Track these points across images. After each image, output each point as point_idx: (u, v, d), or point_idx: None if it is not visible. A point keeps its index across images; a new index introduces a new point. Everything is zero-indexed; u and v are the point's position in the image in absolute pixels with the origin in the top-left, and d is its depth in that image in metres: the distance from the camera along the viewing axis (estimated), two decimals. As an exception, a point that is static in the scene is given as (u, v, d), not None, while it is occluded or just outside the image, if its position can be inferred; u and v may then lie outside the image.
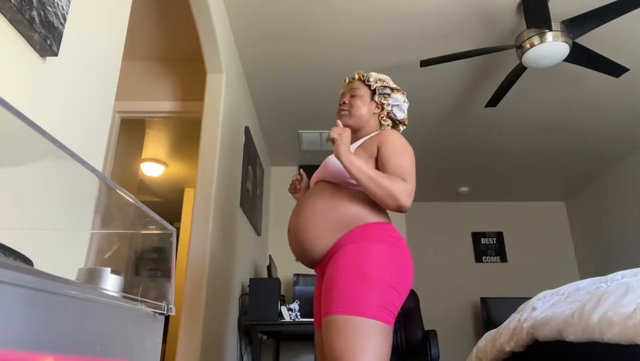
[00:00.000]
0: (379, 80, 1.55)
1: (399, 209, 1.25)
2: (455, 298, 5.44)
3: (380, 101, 1.53)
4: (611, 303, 1.21)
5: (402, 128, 1.61)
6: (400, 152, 1.33)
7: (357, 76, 1.59)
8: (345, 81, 1.63)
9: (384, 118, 1.54)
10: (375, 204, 1.33)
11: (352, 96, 1.54)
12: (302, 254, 1.36)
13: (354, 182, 1.34)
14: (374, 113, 1.54)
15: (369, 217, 1.30)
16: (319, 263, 1.36)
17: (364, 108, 1.51)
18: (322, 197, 1.36)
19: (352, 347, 1.08)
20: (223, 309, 2.62)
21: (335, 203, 1.32)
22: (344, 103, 1.55)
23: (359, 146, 1.40)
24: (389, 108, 1.54)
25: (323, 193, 1.37)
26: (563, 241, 5.63)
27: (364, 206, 1.32)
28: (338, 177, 1.37)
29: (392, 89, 1.54)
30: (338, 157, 1.26)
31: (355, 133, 1.55)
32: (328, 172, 1.40)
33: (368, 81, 1.55)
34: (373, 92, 1.54)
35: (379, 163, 1.35)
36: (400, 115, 1.56)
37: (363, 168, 1.25)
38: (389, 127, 1.56)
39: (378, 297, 1.14)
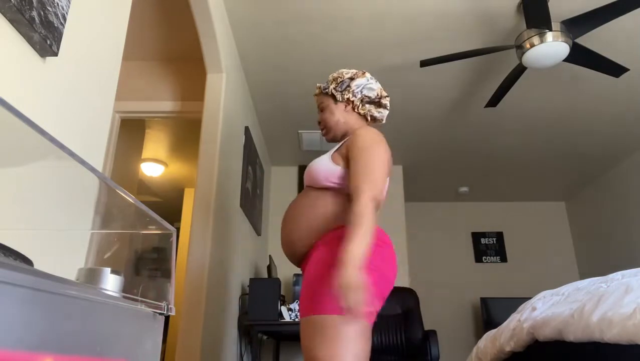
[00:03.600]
0: (332, 80, 1.51)
1: (377, 207, 1.25)
2: (455, 298, 5.44)
3: (344, 98, 1.48)
4: (611, 303, 1.21)
5: (382, 111, 1.52)
6: (357, 157, 1.29)
7: (317, 91, 1.56)
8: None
9: (360, 107, 1.49)
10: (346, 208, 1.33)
11: (321, 111, 1.53)
12: (289, 254, 1.40)
13: (333, 184, 1.34)
14: (347, 112, 1.49)
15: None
16: (303, 262, 1.40)
17: (334, 116, 1.48)
18: (306, 200, 1.38)
19: (328, 346, 1.09)
20: (223, 309, 2.62)
21: (317, 205, 1.34)
22: (319, 123, 1.54)
23: (335, 151, 1.40)
24: (356, 97, 1.48)
25: (307, 196, 1.39)
26: (563, 241, 5.63)
27: (344, 208, 1.32)
28: (317, 182, 1.37)
29: (349, 79, 1.49)
30: (352, 275, 1.14)
31: (344, 138, 1.53)
32: (308, 176, 1.41)
33: (325, 89, 1.52)
34: (333, 96, 1.50)
35: None
36: (372, 93, 1.49)
37: (356, 248, 1.15)
38: (369, 115, 1.50)
39: None
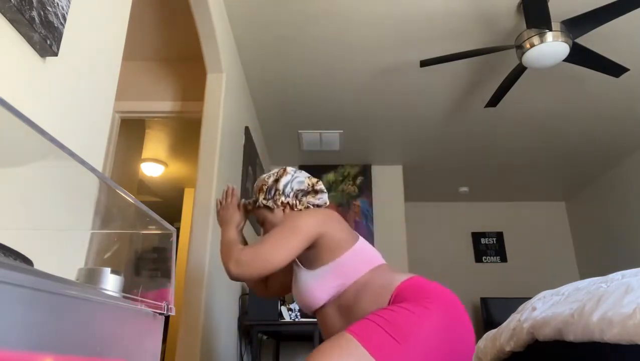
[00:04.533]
0: (259, 191, 1.42)
1: (232, 276, 1.22)
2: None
3: (277, 204, 1.38)
4: (611, 303, 1.21)
5: (322, 196, 1.42)
6: (273, 231, 1.26)
7: (249, 207, 1.47)
8: None
9: (299, 204, 1.39)
10: (384, 273, 1.23)
11: (261, 225, 1.44)
12: None
13: (334, 289, 1.25)
14: (287, 215, 1.37)
15: (393, 282, 1.18)
16: None
17: (275, 226, 1.37)
18: (339, 318, 1.25)
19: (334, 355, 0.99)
20: (223, 309, 2.62)
21: (355, 310, 1.20)
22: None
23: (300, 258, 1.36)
24: (289, 198, 1.38)
25: (336, 315, 1.26)
26: (563, 241, 5.63)
27: (378, 282, 1.21)
28: (319, 303, 1.28)
29: (274, 182, 1.40)
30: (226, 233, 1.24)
31: None
32: (312, 305, 1.30)
33: (257, 203, 1.42)
34: (266, 207, 1.40)
35: None
36: (302, 185, 1.40)
37: (222, 244, 1.23)
38: (311, 205, 1.40)
39: (398, 353, 1.00)
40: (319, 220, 1.26)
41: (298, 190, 1.39)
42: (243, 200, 1.50)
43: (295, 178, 1.40)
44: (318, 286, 1.26)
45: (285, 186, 1.39)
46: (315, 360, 1.01)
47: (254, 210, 1.44)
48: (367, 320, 1.06)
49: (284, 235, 1.21)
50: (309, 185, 1.41)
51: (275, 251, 1.19)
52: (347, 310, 1.23)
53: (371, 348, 0.99)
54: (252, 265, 1.18)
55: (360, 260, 1.26)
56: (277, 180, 1.40)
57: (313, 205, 1.41)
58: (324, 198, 1.44)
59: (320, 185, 1.43)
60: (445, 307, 1.11)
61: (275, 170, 1.44)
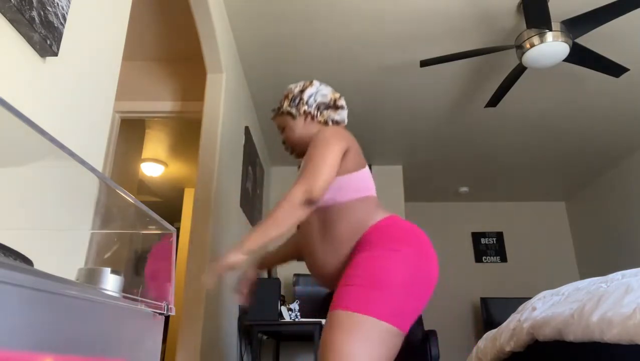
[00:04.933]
0: (284, 98, 1.50)
1: (309, 202, 1.22)
2: (455, 298, 5.44)
3: (300, 112, 1.46)
4: (611, 303, 1.21)
5: (341, 113, 1.50)
6: (310, 150, 1.30)
7: (272, 115, 1.56)
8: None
9: (319, 115, 1.47)
10: (367, 207, 1.31)
11: (282, 132, 1.52)
12: (329, 283, 1.36)
13: (330, 200, 1.30)
14: (307, 124, 1.47)
15: (369, 220, 1.28)
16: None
17: (295, 132, 1.47)
18: (318, 229, 1.34)
19: (350, 345, 1.07)
20: (223, 309, 2.62)
21: (332, 228, 1.30)
22: (283, 143, 1.54)
23: (304, 160, 1.39)
24: (312, 107, 1.46)
25: (316, 225, 1.34)
26: (563, 241, 5.63)
27: (358, 214, 1.29)
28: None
29: (299, 92, 1.48)
30: (233, 260, 1.18)
31: None
32: None
33: (280, 109, 1.51)
34: (289, 113, 1.48)
35: None
36: (325, 98, 1.48)
37: (254, 235, 1.18)
38: (330, 120, 1.48)
39: (388, 300, 1.11)
40: (346, 135, 1.34)
41: (321, 103, 1.47)
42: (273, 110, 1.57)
43: (320, 91, 1.48)
44: None
45: (309, 97, 1.46)
46: (336, 348, 1.06)
47: (277, 116, 1.52)
48: (348, 287, 1.15)
49: (325, 150, 1.27)
50: (331, 99, 1.49)
51: (326, 164, 1.25)
52: (325, 225, 1.31)
53: (364, 310, 1.10)
54: (320, 185, 1.22)
55: (357, 186, 1.33)
56: (302, 91, 1.48)
57: (332, 120, 1.47)
58: (343, 115, 1.51)
59: (342, 102, 1.51)
60: (414, 247, 1.22)
61: (302, 81, 1.52)
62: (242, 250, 1.15)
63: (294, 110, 1.47)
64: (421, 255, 1.21)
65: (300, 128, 1.46)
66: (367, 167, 1.40)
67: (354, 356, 1.05)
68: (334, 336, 1.08)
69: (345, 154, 1.32)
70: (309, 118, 1.46)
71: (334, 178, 1.27)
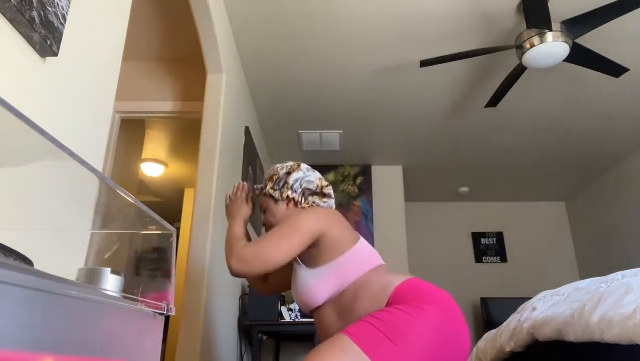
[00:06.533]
0: (268, 179, 1.43)
1: (232, 272, 1.22)
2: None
3: (283, 197, 1.38)
4: (611, 303, 1.21)
5: (328, 200, 1.42)
6: (278, 226, 1.26)
7: (257, 192, 1.48)
8: None
9: (303, 202, 1.38)
10: (382, 275, 1.24)
11: (263, 214, 1.45)
12: None
13: (331, 288, 1.25)
14: (289, 209, 1.38)
15: (389, 286, 1.19)
16: None
17: (276, 217, 1.38)
18: (337, 320, 1.26)
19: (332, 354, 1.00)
20: (223, 309, 2.62)
21: (352, 310, 1.21)
22: (263, 225, 1.46)
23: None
24: (297, 193, 1.38)
25: (334, 316, 1.26)
26: (563, 241, 5.63)
27: (376, 285, 1.21)
28: (321, 300, 1.28)
29: (285, 174, 1.40)
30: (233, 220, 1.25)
31: None
32: (310, 303, 1.30)
33: (262, 190, 1.44)
34: (272, 197, 1.40)
35: None
36: (311, 185, 1.40)
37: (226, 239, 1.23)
38: (315, 205, 1.40)
39: (393, 354, 1.02)
40: (320, 219, 1.26)
41: (306, 189, 1.39)
42: (254, 185, 1.52)
43: (307, 177, 1.41)
44: (317, 284, 1.27)
45: (295, 181, 1.39)
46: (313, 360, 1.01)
47: (260, 195, 1.45)
48: (364, 322, 1.07)
49: (286, 233, 1.21)
50: (318, 186, 1.41)
51: (276, 249, 1.19)
52: (344, 310, 1.23)
53: (367, 349, 1.00)
54: (253, 263, 1.18)
55: (359, 260, 1.26)
56: (288, 173, 1.41)
57: (317, 207, 1.40)
58: (330, 203, 1.43)
59: (329, 190, 1.43)
60: (442, 308, 1.12)
61: (290, 163, 1.44)
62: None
63: (277, 194, 1.39)
64: (450, 318, 1.12)
65: (282, 213, 1.38)
66: (361, 239, 1.33)
67: None
68: (326, 354, 1.01)
69: (321, 239, 1.25)
70: (291, 204, 1.38)
71: (279, 264, 1.19)
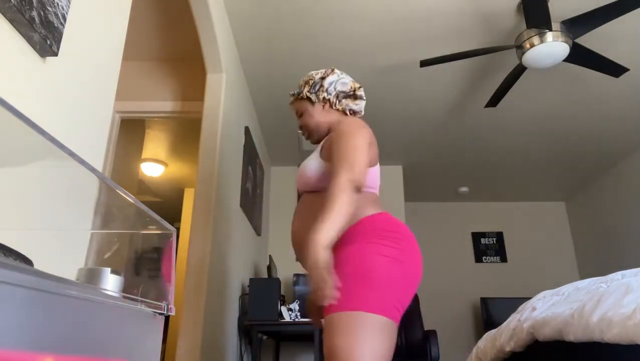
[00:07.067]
0: (304, 83, 1.52)
1: (357, 189, 1.23)
2: (455, 298, 5.44)
3: (319, 98, 1.48)
4: (611, 303, 1.21)
5: (359, 103, 1.52)
6: (337, 142, 1.30)
7: (291, 99, 1.57)
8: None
9: (338, 104, 1.49)
10: (362, 201, 1.33)
11: (299, 117, 1.54)
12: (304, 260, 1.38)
13: (325, 185, 1.33)
14: (326, 111, 1.49)
15: (358, 213, 1.28)
16: None
17: (313, 118, 1.49)
18: (308, 207, 1.37)
19: (349, 343, 1.08)
20: (223, 309, 2.62)
21: (320, 210, 1.29)
22: (300, 128, 1.55)
23: (322, 148, 1.41)
24: (331, 95, 1.48)
25: (308, 203, 1.38)
26: (563, 241, 5.63)
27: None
28: (311, 185, 1.38)
29: (320, 78, 1.50)
30: (324, 258, 1.15)
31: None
32: (301, 181, 1.41)
33: (299, 94, 1.52)
34: (308, 99, 1.50)
35: None
36: (345, 87, 1.50)
37: (324, 230, 1.14)
38: (348, 109, 1.50)
39: (379, 293, 1.13)
40: (370, 132, 1.35)
41: (340, 91, 1.49)
42: (289, 93, 1.56)
43: (340, 80, 1.50)
44: (315, 170, 1.36)
45: (330, 84, 1.48)
46: (344, 351, 1.07)
47: (296, 101, 1.54)
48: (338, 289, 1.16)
49: (354, 142, 1.28)
50: (351, 88, 1.50)
51: (358, 153, 1.26)
52: (319, 207, 1.31)
53: (354, 306, 1.11)
54: (360, 171, 1.23)
55: None
56: (323, 78, 1.49)
57: (350, 110, 1.50)
58: (361, 105, 1.53)
59: (361, 92, 1.52)
60: (402, 242, 1.24)
61: (324, 68, 1.53)
62: (321, 245, 1.11)
63: (313, 97, 1.48)
64: (408, 252, 1.23)
65: (319, 114, 1.48)
66: (377, 166, 1.41)
67: (361, 356, 1.07)
68: (333, 342, 1.10)
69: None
70: (327, 105, 1.49)
71: (367, 162, 1.28)
